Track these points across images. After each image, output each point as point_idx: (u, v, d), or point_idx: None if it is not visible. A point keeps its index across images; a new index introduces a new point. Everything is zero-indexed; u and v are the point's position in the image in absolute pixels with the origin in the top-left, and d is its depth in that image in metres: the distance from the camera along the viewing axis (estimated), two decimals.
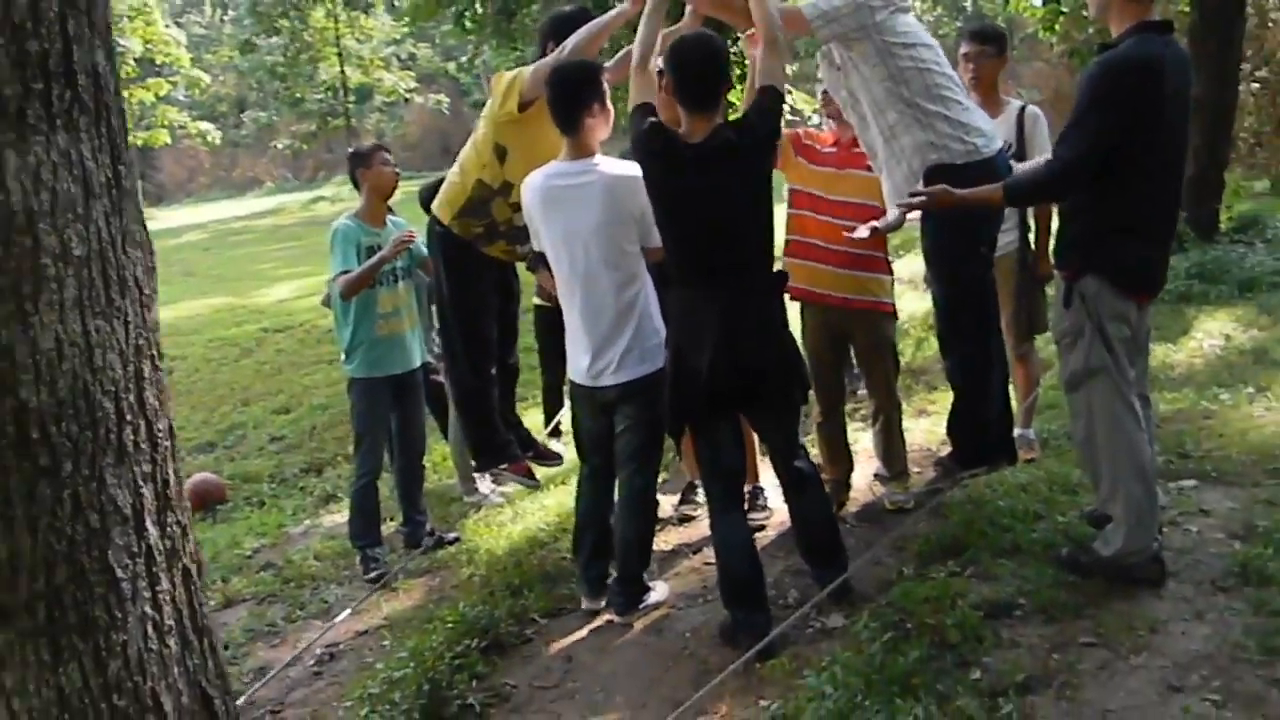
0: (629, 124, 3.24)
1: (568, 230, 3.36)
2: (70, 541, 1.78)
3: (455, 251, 3.74)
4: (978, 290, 3.45)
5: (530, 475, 4.11)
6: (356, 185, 4.59)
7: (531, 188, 3.43)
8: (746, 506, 3.70)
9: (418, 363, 4.69)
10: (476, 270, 3.76)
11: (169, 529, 1.94)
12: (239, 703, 2.87)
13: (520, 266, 4.16)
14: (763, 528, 4.04)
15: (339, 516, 5.37)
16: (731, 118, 3.19)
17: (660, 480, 4.02)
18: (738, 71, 7.09)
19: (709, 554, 3.75)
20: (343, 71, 32.69)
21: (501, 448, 3.97)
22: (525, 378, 4.41)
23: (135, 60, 24.55)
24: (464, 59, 20.28)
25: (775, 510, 4.11)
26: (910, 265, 8.05)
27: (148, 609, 1.87)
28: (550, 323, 4.36)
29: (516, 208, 3.60)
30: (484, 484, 5.32)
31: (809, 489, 3.38)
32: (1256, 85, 11.78)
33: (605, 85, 3.41)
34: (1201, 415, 4.65)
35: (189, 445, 7.44)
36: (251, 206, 33.65)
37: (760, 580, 3.28)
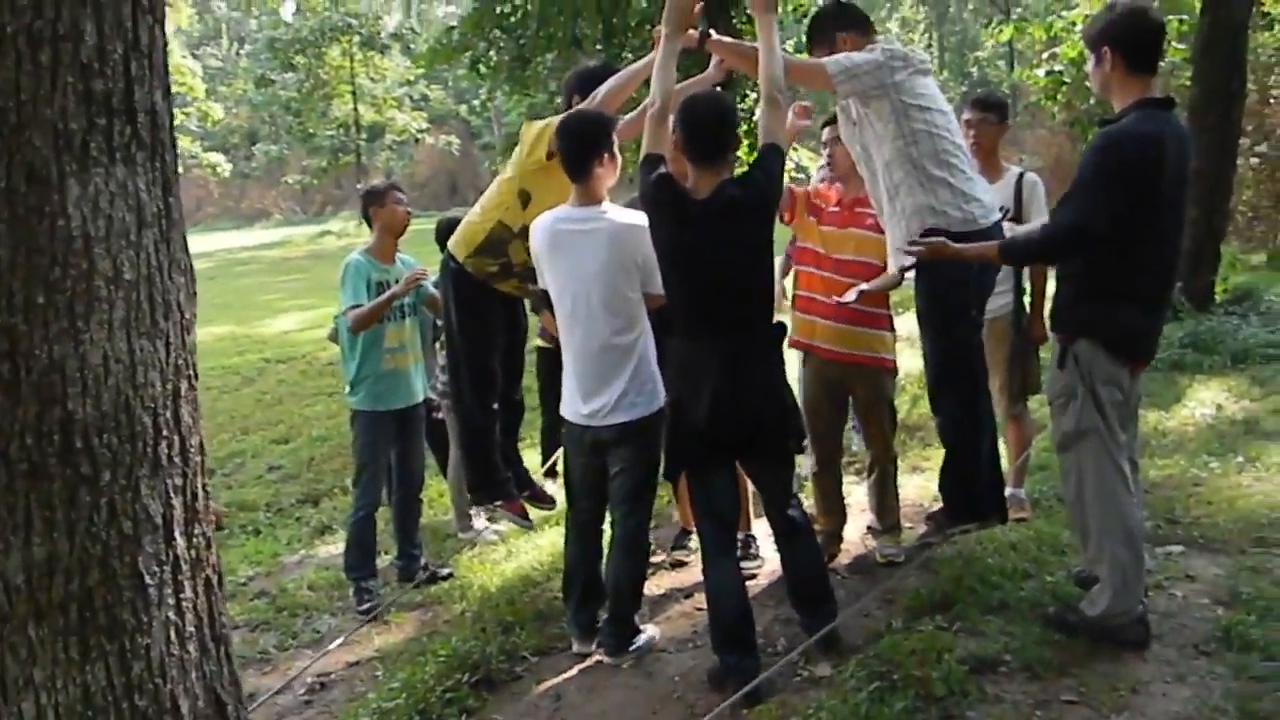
0: (635, 175, 3.34)
1: (572, 273, 3.43)
2: (105, 546, 1.85)
3: (468, 290, 3.81)
4: (965, 353, 3.49)
5: (525, 515, 4.14)
6: (369, 222, 4.67)
7: (540, 229, 3.51)
8: (739, 554, 3.75)
9: (420, 398, 4.75)
10: (487, 308, 3.84)
11: (195, 539, 2.01)
12: None
13: (526, 304, 4.24)
14: (754, 576, 4.07)
15: (334, 547, 5.40)
16: (736, 173, 3.28)
17: (652, 526, 4.06)
18: (745, 127, 7.23)
19: (700, 599, 3.77)
20: (356, 109, 33.11)
21: (499, 485, 4.02)
22: (526, 417, 4.47)
23: None
24: (476, 102, 20.52)
25: (767, 559, 4.15)
26: (910, 323, 8.11)
27: (171, 615, 1.93)
28: (552, 363, 4.41)
29: None
30: (479, 521, 5.35)
31: (801, 537, 3.43)
32: (1256, 160, 11.91)
33: (615, 136, 3.51)
34: (1191, 482, 4.70)
35: None
36: (259, 238, 33.87)
37: (750, 627, 3.30)
